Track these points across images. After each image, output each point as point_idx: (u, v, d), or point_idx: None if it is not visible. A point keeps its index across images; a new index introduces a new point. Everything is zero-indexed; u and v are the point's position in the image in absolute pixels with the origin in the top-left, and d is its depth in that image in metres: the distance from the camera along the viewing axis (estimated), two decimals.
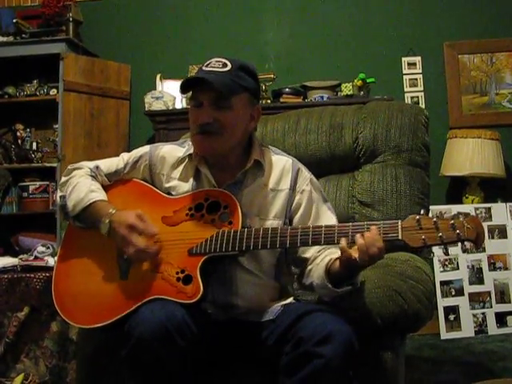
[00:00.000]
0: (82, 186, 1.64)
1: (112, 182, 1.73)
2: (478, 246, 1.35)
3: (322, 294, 1.58)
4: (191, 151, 1.68)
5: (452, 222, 1.34)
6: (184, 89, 1.60)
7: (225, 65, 1.58)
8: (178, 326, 1.37)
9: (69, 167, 1.74)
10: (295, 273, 1.71)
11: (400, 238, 1.37)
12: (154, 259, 1.53)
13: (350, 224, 1.45)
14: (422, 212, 1.39)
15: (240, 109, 1.59)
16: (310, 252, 1.62)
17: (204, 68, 1.59)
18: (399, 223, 1.39)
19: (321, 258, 1.59)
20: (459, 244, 1.35)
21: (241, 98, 1.59)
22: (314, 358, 1.34)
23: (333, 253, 1.56)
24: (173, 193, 1.68)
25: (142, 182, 1.73)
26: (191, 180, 1.67)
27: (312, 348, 1.35)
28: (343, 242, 1.41)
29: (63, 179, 1.71)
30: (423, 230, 1.35)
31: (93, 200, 1.60)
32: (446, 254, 1.36)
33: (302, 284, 1.68)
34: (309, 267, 1.62)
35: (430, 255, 1.39)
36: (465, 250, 1.36)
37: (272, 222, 1.61)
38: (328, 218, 1.66)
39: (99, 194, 1.63)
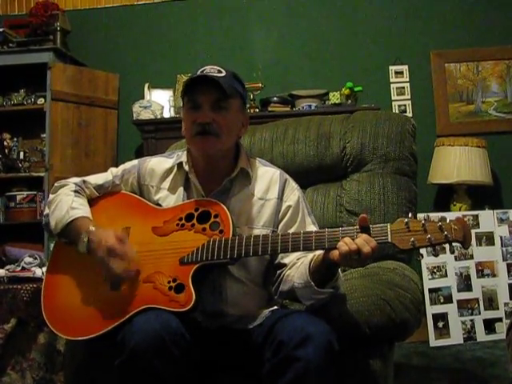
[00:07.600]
0: (63, 203, 1.65)
1: (101, 194, 1.74)
2: (466, 246, 1.36)
3: (302, 295, 1.55)
4: (180, 160, 1.70)
5: (440, 223, 1.36)
6: (187, 88, 1.60)
7: (219, 71, 1.62)
8: (173, 335, 1.37)
9: (56, 184, 1.76)
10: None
11: (389, 240, 1.38)
12: (145, 269, 1.52)
13: (340, 229, 1.45)
14: (410, 215, 1.41)
15: (235, 112, 1.64)
16: (290, 258, 1.62)
17: (199, 73, 1.61)
18: (388, 226, 1.40)
19: (301, 261, 1.58)
20: (447, 245, 1.37)
21: (236, 102, 1.64)
22: (293, 362, 1.34)
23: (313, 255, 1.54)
24: (162, 204, 1.69)
25: (130, 193, 1.74)
26: (180, 189, 1.68)
27: (291, 352, 1.35)
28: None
29: (50, 197, 1.73)
30: (412, 233, 1.37)
31: (72, 218, 1.61)
32: (436, 255, 1.38)
33: (277, 291, 1.65)
34: (287, 272, 1.61)
35: (418, 257, 1.39)
36: (453, 251, 1.37)
37: (261, 231, 1.61)
38: (311, 230, 1.64)
39: (80, 211, 1.63)
